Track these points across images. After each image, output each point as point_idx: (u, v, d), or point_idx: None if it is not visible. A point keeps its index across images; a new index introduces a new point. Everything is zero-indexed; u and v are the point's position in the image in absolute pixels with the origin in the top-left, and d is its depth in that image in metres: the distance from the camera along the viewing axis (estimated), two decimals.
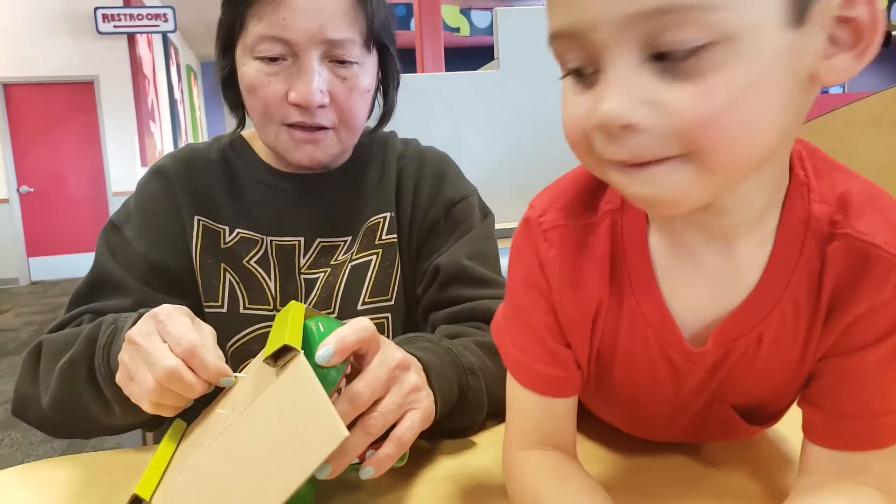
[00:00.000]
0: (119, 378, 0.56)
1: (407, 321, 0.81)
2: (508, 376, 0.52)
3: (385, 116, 0.85)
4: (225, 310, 0.78)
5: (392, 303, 0.80)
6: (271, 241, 0.80)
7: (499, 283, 0.78)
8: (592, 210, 0.47)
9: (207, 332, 0.56)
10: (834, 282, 0.42)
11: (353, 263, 0.80)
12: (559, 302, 0.48)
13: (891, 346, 0.41)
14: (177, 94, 8.54)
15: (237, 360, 0.78)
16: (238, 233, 0.80)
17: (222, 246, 0.79)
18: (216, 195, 0.80)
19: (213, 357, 0.52)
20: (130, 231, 0.78)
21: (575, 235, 0.47)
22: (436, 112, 1.45)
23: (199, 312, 0.78)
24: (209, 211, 0.80)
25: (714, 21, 0.32)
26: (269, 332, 0.78)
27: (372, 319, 0.78)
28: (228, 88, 0.80)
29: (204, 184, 0.80)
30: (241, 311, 0.78)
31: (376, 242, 0.81)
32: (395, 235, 0.81)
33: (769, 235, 0.43)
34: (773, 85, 0.34)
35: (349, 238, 0.82)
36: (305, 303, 0.80)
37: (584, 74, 0.37)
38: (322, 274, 0.80)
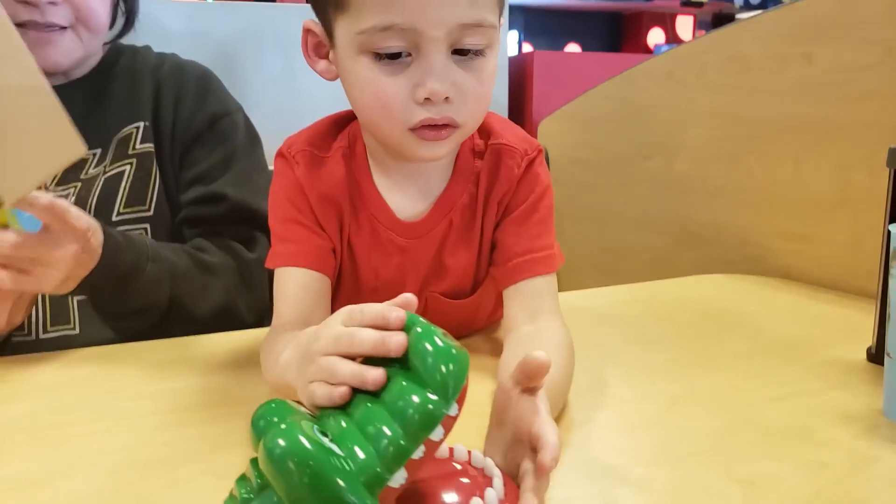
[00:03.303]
0: None
1: (173, 231, 0.81)
2: (276, 274, 0.62)
3: (128, 22, 0.83)
4: None
5: (151, 213, 0.79)
6: None
7: None
8: (326, 149, 0.64)
9: None
10: (486, 179, 0.63)
11: (105, 176, 0.78)
12: (312, 198, 0.62)
13: (524, 209, 0.63)
14: None
15: None
16: None
17: None
18: None
19: None
20: None
21: (315, 159, 0.63)
22: (265, 45, 1.41)
23: None
24: None
25: (491, 34, 0.54)
26: None
27: (129, 230, 0.77)
28: None
29: None
30: None
31: (129, 152, 0.79)
32: (150, 144, 0.80)
33: (450, 163, 0.64)
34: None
35: (98, 150, 0.79)
36: None
37: (395, 60, 0.52)
38: (72, 189, 0.77)
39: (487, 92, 0.56)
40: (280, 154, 0.65)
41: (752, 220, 1.04)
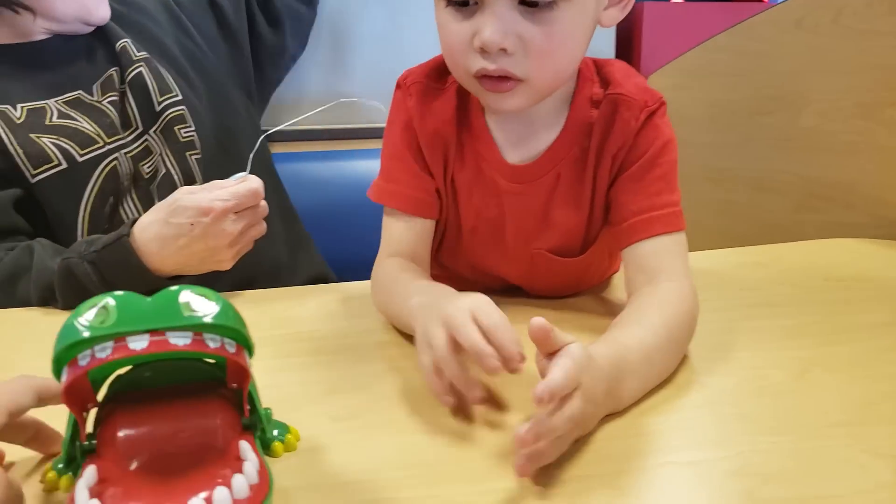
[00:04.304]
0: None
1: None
2: (384, 212, 0.66)
3: None
4: (65, 165, 0.80)
5: (180, 97, 0.90)
6: (55, 101, 0.84)
7: None
8: (442, 82, 0.64)
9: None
10: (600, 131, 0.60)
11: (129, 79, 0.88)
12: (421, 134, 0.64)
13: (642, 164, 0.59)
14: None
15: (96, 214, 0.81)
16: (21, 108, 0.82)
17: (17, 123, 0.81)
18: None
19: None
20: None
21: (429, 92, 0.64)
22: (369, 1, 1.40)
23: (29, 197, 0.79)
24: None
25: None
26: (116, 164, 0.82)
27: (173, 113, 0.88)
28: None
29: None
30: (80, 160, 0.81)
31: (135, 58, 0.89)
32: (146, 53, 0.91)
33: (564, 112, 0.61)
34: (585, 30, 0.55)
35: (113, 69, 0.89)
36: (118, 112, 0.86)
37: (465, 7, 0.52)
38: (115, 97, 0.88)
39: (558, 47, 0.53)
40: (398, 85, 0.66)
41: (891, 180, 0.95)
